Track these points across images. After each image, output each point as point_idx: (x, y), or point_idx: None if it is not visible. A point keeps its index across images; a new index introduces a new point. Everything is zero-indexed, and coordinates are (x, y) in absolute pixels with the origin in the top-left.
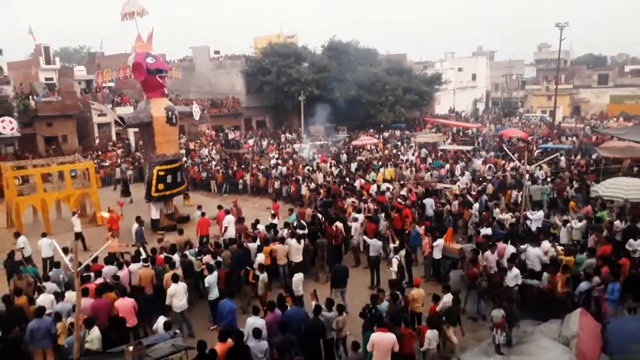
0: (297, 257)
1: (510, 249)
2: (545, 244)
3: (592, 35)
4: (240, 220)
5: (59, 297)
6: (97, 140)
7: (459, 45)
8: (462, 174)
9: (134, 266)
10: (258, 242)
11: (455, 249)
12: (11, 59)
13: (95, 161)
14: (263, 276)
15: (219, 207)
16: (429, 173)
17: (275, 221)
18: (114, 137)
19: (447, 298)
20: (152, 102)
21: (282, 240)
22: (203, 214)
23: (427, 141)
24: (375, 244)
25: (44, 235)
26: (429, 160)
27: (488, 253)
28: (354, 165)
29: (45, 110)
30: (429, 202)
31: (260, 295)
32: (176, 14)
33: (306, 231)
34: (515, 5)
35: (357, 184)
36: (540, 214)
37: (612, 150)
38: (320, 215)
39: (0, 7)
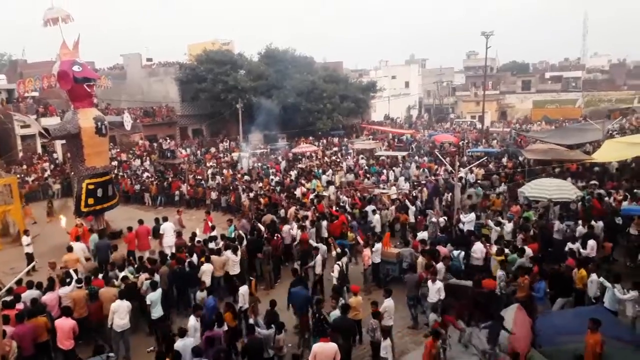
0: (235, 269)
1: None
2: (478, 245)
3: (515, 43)
4: (178, 234)
5: None
6: (21, 154)
7: (392, 54)
8: (397, 180)
9: (64, 289)
10: (195, 257)
11: (393, 254)
12: None
13: (19, 176)
14: (202, 294)
15: (140, 222)
16: (366, 179)
17: (214, 233)
18: (39, 150)
19: (388, 302)
20: (79, 112)
21: (218, 252)
22: (130, 229)
23: (364, 148)
24: (321, 247)
25: None
26: (365, 166)
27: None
28: (294, 173)
29: None
30: (370, 208)
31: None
32: (105, 24)
33: (245, 242)
34: (445, 14)
35: (298, 192)
36: (472, 216)
37: (537, 153)
38: (260, 225)
39: None
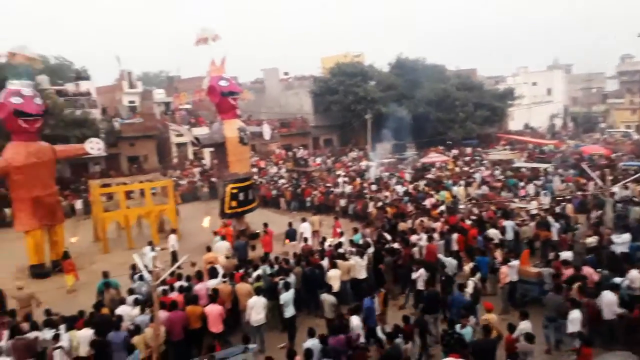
0: (362, 274)
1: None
2: (634, 273)
3: None
4: (305, 239)
5: (142, 309)
6: (175, 160)
7: (532, 60)
8: (539, 194)
9: (212, 282)
10: (326, 260)
11: (533, 273)
12: (99, 84)
13: (174, 179)
14: (330, 298)
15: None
16: (503, 192)
17: (342, 239)
18: (190, 157)
19: (525, 325)
20: (225, 123)
21: (344, 257)
22: (265, 231)
23: (500, 158)
24: (451, 262)
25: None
26: (502, 178)
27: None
28: (422, 183)
29: (128, 132)
30: (509, 224)
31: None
32: (248, 39)
33: (372, 249)
34: (592, 17)
35: (427, 202)
36: (626, 237)
37: None
38: (386, 234)
39: (90, 37)
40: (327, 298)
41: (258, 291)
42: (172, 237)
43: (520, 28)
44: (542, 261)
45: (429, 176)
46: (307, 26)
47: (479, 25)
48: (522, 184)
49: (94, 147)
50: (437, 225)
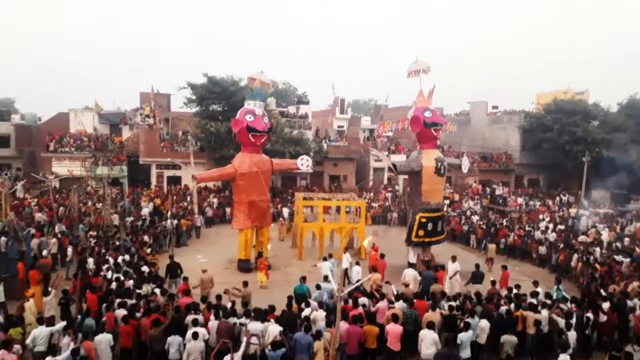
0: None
1: None
2: None
3: None
4: (492, 282)
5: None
6: (371, 183)
7: None
8: None
9: (382, 303)
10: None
11: None
12: (315, 109)
13: (367, 201)
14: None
15: (504, 268)
16: None
17: (538, 289)
18: (385, 181)
19: None
20: (424, 153)
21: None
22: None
23: None
24: None
25: (324, 259)
26: None
27: None
28: None
29: (334, 153)
30: None
31: None
32: (456, 71)
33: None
34: None
35: None
36: None
37: None
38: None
39: (310, 62)
40: (509, 339)
41: (429, 326)
42: (346, 256)
43: None
44: None
45: None
46: (520, 59)
47: None
48: None
49: (304, 164)
50: None
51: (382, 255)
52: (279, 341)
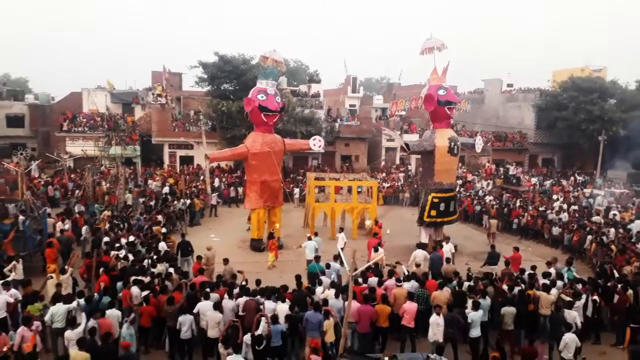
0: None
1: None
2: None
3: None
4: (506, 262)
5: (336, 294)
6: (383, 163)
7: None
8: None
9: (408, 284)
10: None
11: None
12: (326, 87)
13: (379, 181)
14: None
15: (515, 249)
16: None
17: (551, 270)
18: (397, 161)
19: None
20: (437, 132)
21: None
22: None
23: None
24: None
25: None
26: None
27: None
28: None
29: (346, 132)
30: None
31: None
32: (470, 47)
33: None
34: None
35: None
36: None
37: None
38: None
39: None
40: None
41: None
42: (341, 235)
43: None
44: None
45: None
46: (538, 34)
47: None
48: None
49: (316, 144)
50: None
51: (375, 234)
52: (275, 315)
